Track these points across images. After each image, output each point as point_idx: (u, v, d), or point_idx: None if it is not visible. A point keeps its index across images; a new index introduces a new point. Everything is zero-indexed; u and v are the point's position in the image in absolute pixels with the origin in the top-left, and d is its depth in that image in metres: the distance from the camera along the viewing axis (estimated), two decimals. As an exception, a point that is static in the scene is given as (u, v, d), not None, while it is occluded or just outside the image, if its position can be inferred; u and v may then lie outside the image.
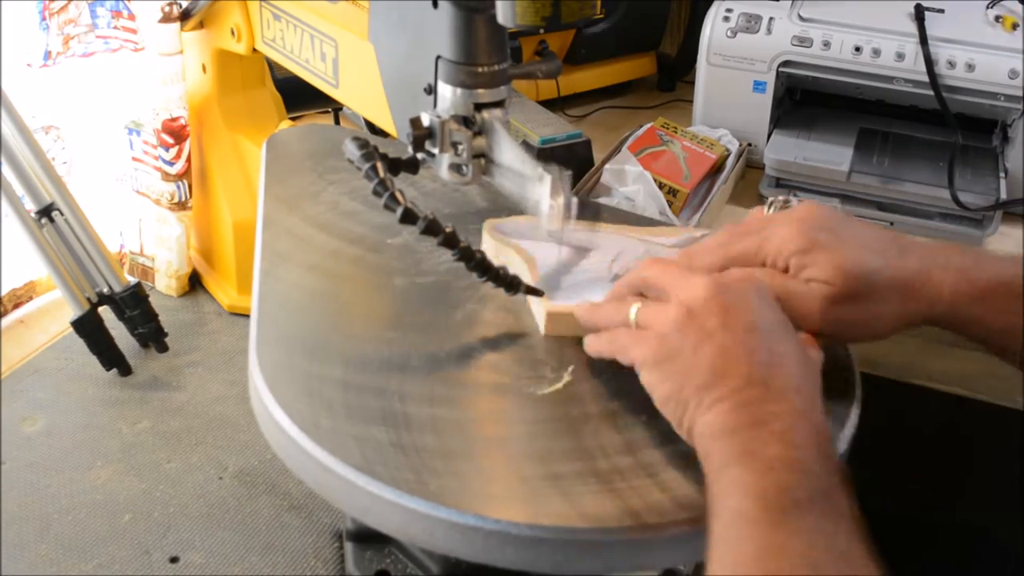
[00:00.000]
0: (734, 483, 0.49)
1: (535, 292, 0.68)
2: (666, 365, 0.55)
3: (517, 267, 0.72)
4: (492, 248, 0.75)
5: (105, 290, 0.96)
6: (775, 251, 0.61)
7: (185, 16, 1.02)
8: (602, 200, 1.00)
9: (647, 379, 0.57)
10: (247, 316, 0.89)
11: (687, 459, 0.57)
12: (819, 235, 0.60)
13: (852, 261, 0.59)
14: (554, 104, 1.28)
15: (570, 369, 0.63)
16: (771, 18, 1.13)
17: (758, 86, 1.15)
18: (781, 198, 0.68)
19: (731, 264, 0.63)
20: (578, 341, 0.65)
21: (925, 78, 1.06)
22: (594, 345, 0.63)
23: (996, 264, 0.61)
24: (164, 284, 1.11)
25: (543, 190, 0.62)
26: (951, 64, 1.05)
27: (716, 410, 0.52)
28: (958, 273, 0.60)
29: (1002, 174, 1.08)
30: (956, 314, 0.61)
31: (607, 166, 1.06)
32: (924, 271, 0.60)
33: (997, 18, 1.08)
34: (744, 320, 0.54)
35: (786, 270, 0.61)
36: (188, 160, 1.08)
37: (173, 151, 1.06)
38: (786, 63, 1.13)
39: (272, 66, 1.10)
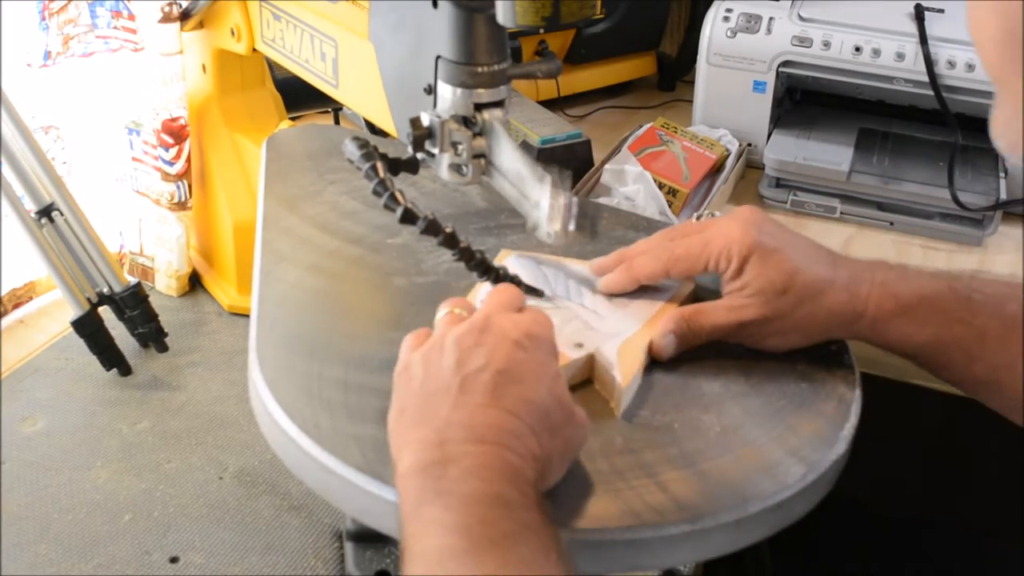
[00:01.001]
0: (434, 522, 0.47)
1: (535, 292, 0.68)
2: (403, 378, 0.55)
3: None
4: None
5: (105, 290, 0.96)
6: (719, 251, 0.63)
7: (185, 16, 1.02)
8: (602, 200, 1.00)
9: (395, 380, 0.57)
10: (247, 316, 0.89)
11: (687, 459, 0.57)
12: (762, 237, 0.62)
13: (792, 265, 0.62)
14: (554, 104, 1.28)
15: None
16: (771, 18, 1.13)
17: (758, 86, 1.15)
18: (709, 212, 0.70)
19: (672, 266, 0.65)
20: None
21: (925, 78, 1.06)
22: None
23: (919, 278, 0.63)
24: (164, 284, 1.11)
25: (542, 191, 0.62)
26: (951, 64, 1.05)
27: (411, 448, 0.51)
28: (882, 287, 0.62)
29: (1002, 174, 1.08)
30: (878, 328, 0.62)
31: (607, 166, 1.06)
32: (853, 282, 0.62)
33: (997, 18, 1.08)
34: (478, 361, 0.53)
35: (726, 270, 0.63)
36: (188, 160, 1.08)
37: (173, 151, 1.06)
38: (786, 63, 1.13)
39: (272, 66, 1.10)
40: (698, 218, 0.70)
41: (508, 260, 0.73)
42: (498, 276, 0.66)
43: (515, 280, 0.67)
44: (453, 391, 0.52)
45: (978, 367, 0.62)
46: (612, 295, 0.69)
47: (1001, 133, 0.45)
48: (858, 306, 0.62)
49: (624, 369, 0.61)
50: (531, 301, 0.67)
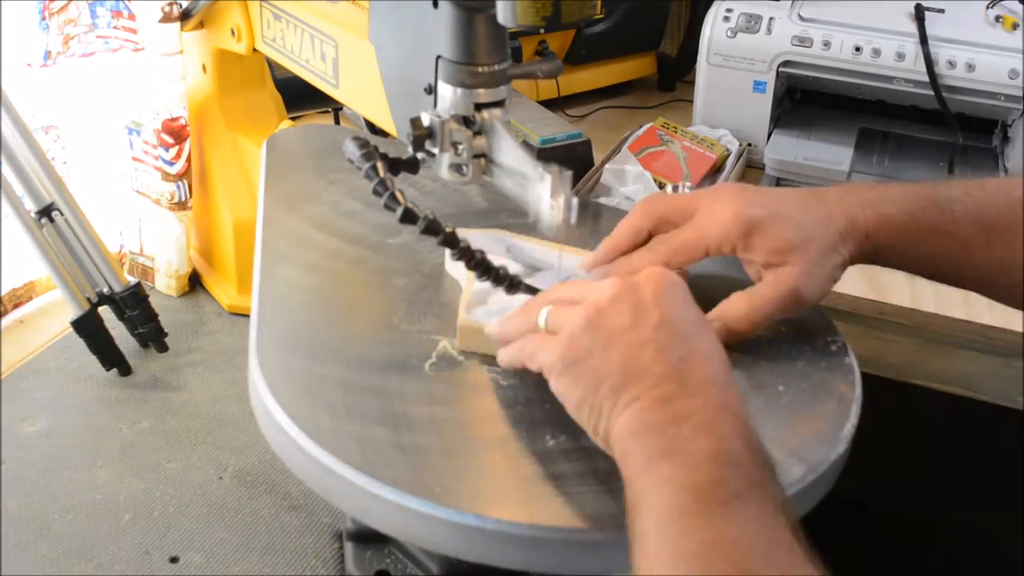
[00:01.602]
0: (663, 480, 0.47)
1: (535, 292, 0.68)
2: (575, 369, 0.54)
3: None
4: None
5: (105, 290, 0.96)
6: (718, 238, 0.63)
7: (185, 16, 1.02)
8: (602, 200, 1.00)
9: (556, 386, 0.55)
10: (247, 316, 0.89)
11: (687, 459, 0.57)
12: (753, 211, 0.63)
13: (792, 224, 0.62)
14: (554, 104, 1.28)
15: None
16: (771, 18, 1.13)
17: (758, 86, 1.15)
18: (687, 184, 0.70)
19: (671, 260, 0.64)
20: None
21: (925, 78, 1.06)
22: (505, 356, 0.61)
23: (903, 196, 0.64)
24: (164, 284, 1.11)
25: (543, 190, 0.62)
26: (951, 64, 1.05)
27: (632, 409, 0.50)
28: (874, 209, 0.63)
29: (1002, 174, 1.08)
30: (878, 249, 0.64)
31: (607, 166, 1.06)
32: (848, 218, 0.63)
33: (997, 18, 1.08)
34: (654, 316, 0.53)
35: (732, 251, 0.63)
36: (188, 160, 1.08)
37: (173, 151, 1.06)
38: (786, 63, 1.13)
39: (272, 66, 1.10)
40: (674, 189, 0.70)
41: (473, 235, 0.73)
42: (498, 276, 0.66)
43: (515, 280, 0.66)
44: (650, 350, 0.52)
45: (968, 272, 0.65)
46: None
47: None
48: (859, 235, 0.63)
49: None
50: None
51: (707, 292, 0.64)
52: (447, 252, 0.65)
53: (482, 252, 0.65)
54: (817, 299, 0.64)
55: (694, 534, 0.46)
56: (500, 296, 0.67)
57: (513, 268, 0.69)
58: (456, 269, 0.68)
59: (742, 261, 0.65)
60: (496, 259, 0.66)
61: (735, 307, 0.64)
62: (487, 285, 0.67)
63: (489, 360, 0.66)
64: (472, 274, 0.67)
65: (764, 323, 0.63)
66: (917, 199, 0.64)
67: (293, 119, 1.13)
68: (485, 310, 0.68)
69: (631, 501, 0.49)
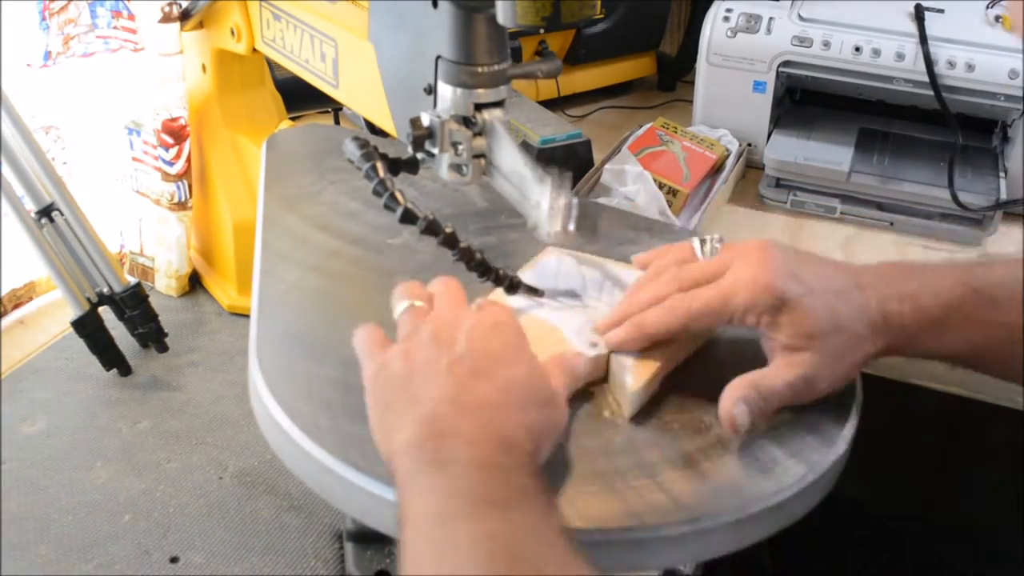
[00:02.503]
0: (432, 487, 0.48)
1: (535, 292, 0.68)
2: (380, 387, 0.56)
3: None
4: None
5: (105, 290, 0.96)
6: (744, 306, 0.58)
7: (185, 16, 1.02)
8: (602, 200, 1.00)
9: (369, 396, 0.57)
10: (247, 316, 0.89)
11: (687, 459, 0.57)
12: (787, 286, 0.58)
13: (821, 316, 0.57)
14: (554, 104, 1.28)
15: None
16: (771, 18, 1.13)
17: (758, 86, 1.15)
18: (715, 236, 0.65)
19: (693, 322, 0.60)
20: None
21: (925, 78, 1.06)
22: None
23: (944, 284, 0.60)
24: (164, 284, 1.11)
25: (543, 191, 0.62)
26: (951, 64, 1.05)
27: (407, 429, 0.51)
28: (913, 301, 0.59)
29: (1002, 174, 1.08)
30: (918, 342, 0.60)
31: (607, 166, 1.06)
32: (885, 301, 0.59)
33: (997, 18, 1.08)
34: (457, 349, 0.55)
35: (756, 325, 0.59)
36: (188, 160, 1.08)
37: (173, 151, 1.06)
38: (786, 63, 1.13)
39: (272, 66, 1.10)
40: (702, 243, 0.65)
41: (551, 257, 0.73)
42: (498, 276, 0.66)
43: (515, 280, 0.66)
44: (441, 374, 0.53)
45: (1008, 362, 0.60)
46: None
47: None
48: (894, 327, 0.59)
49: (637, 372, 0.60)
50: (548, 300, 0.67)
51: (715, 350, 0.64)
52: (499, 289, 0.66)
53: (482, 252, 0.65)
54: (830, 390, 0.60)
55: (461, 534, 0.46)
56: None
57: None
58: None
59: (759, 333, 0.60)
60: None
61: (779, 374, 0.59)
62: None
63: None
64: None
65: (769, 414, 0.59)
66: (956, 287, 0.59)
67: (293, 119, 1.13)
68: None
69: (399, 516, 0.49)
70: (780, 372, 0.58)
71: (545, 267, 0.72)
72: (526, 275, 0.70)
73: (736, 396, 0.58)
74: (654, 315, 0.61)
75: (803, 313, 0.57)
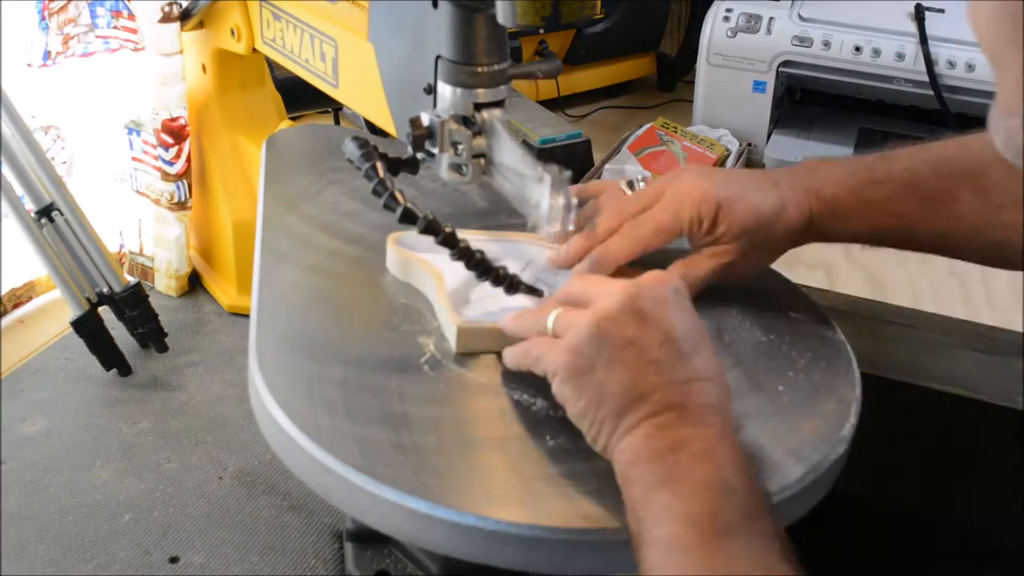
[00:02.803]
0: (662, 508, 0.48)
1: (535, 292, 0.68)
2: (579, 379, 0.54)
3: (423, 281, 0.71)
4: (396, 263, 0.73)
5: (105, 290, 0.96)
6: (691, 217, 0.66)
7: (185, 16, 1.02)
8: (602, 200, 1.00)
9: (559, 391, 0.55)
10: (247, 316, 0.89)
11: (687, 459, 0.57)
12: (721, 191, 0.66)
13: (751, 205, 0.66)
14: (554, 104, 1.28)
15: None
16: (771, 18, 1.13)
17: (758, 86, 1.15)
18: (639, 176, 0.72)
19: (649, 244, 0.66)
20: (498, 356, 0.63)
21: (925, 78, 1.06)
22: (511, 356, 0.61)
23: (840, 177, 0.68)
24: (164, 284, 1.11)
25: (543, 190, 0.62)
26: (951, 64, 1.05)
27: (634, 435, 0.51)
28: (815, 192, 0.67)
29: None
30: (822, 227, 0.68)
31: (607, 166, 1.06)
32: (796, 205, 0.67)
33: (997, 18, 1.08)
34: (658, 331, 0.53)
35: (699, 230, 0.66)
36: (188, 160, 1.08)
37: (173, 151, 1.06)
38: (786, 63, 1.13)
39: (272, 66, 1.10)
40: (629, 185, 0.72)
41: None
42: (498, 276, 0.66)
43: (515, 280, 0.66)
44: (652, 371, 0.52)
45: (913, 243, 0.69)
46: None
47: (997, 125, 0.43)
48: (804, 215, 0.67)
49: None
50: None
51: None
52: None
53: (481, 252, 0.65)
54: (745, 278, 0.69)
55: (691, 566, 0.47)
56: (483, 291, 0.68)
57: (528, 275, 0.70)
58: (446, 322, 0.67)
59: (691, 236, 0.68)
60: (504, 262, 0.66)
61: (701, 265, 0.68)
62: (462, 284, 0.68)
63: (489, 360, 0.66)
64: (441, 274, 0.68)
65: (692, 292, 0.62)
66: (857, 174, 0.67)
67: (293, 119, 1.13)
68: (480, 309, 0.67)
69: (634, 529, 0.49)
70: (704, 262, 0.67)
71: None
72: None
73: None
74: (615, 243, 0.67)
75: (735, 215, 0.66)
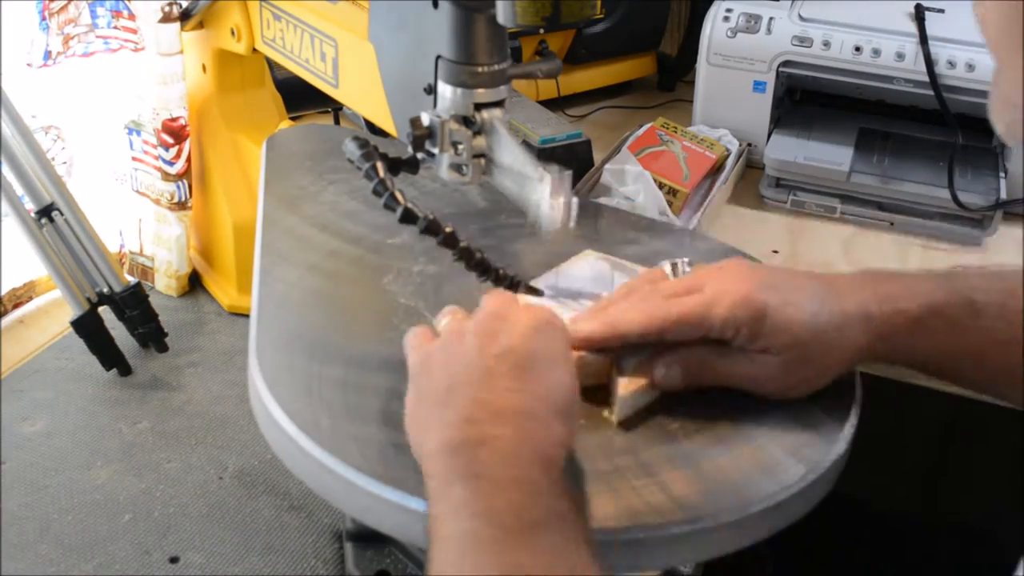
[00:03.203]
0: (462, 503, 0.47)
1: (535, 292, 0.68)
2: (420, 378, 0.55)
3: None
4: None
5: (105, 290, 0.96)
6: (725, 319, 0.57)
7: (185, 16, 1.02)
8: (602, 200, 1.00)
9: (408, 391, 0.56)
10: (247, 316, 0.89)
11: (687, 459, 0.57)
12: (768, 297, 0.57)
13: (806, 316, 0.57)
14: (554, 104, 1.28)
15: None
16: (771, 18, 1.13)
17: (758, 86, 1.15)
18: (685, 260, 0.65)
19: (670, 329, 0.59)
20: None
21: (925, 78, 1.06)
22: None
23: (921, 286, 0.60)
24: (164, 284, 1.11)
25: (543, 190, 0.62)
26: (951, 64, 1.05)
27: (444, 430, 0.50)
28: (891, 303, 0.59)
29: (1002, 174, 1.08)
30: (895, 345, 0.60)
31: (607, 166, 1.06)
32: (863, 306, 0.59)
33: (997, 18, 1.08)
34: (500, 345, 0.53)
35: (734, 336, 0.58)
36: (188, 160, 1.08)
37: (173, 151, 1.06)
38: (786, 63, 1.13)
39: (272, 66, 1.10)
40: (673, 267, 0.65)
41: (587, 259, 0.74)
42: (498, 276, 0.66)
43: (515, 280, 0.66)
44: (479, 374, 0.52)
45: (987, 370, 0.61)
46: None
47: (999, 114, 0.43)
48: (873, 331, 0.59)
49: (630, 378, 0.60)
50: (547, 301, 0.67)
51: None
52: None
53: (481, 252, 0.65)
54: (806, 392, 0.60)
55: (490, 560, 0.45)
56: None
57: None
58: None
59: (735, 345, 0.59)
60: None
61: (734, 364, 0.59)
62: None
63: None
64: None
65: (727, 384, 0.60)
66: (936, 290, 0.59)
67: (293, 119, 1.13)
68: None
69: (429, 528, 0.48)
70: (740, 363, 0.59)
71: (579, 268, 0.72)
72: (559, 274, 0.71)
73: (675, 359, 0.59)
74: (628, 315, 0.60)
75: (783, 323, 0.57)
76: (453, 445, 0.49)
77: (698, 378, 0.60)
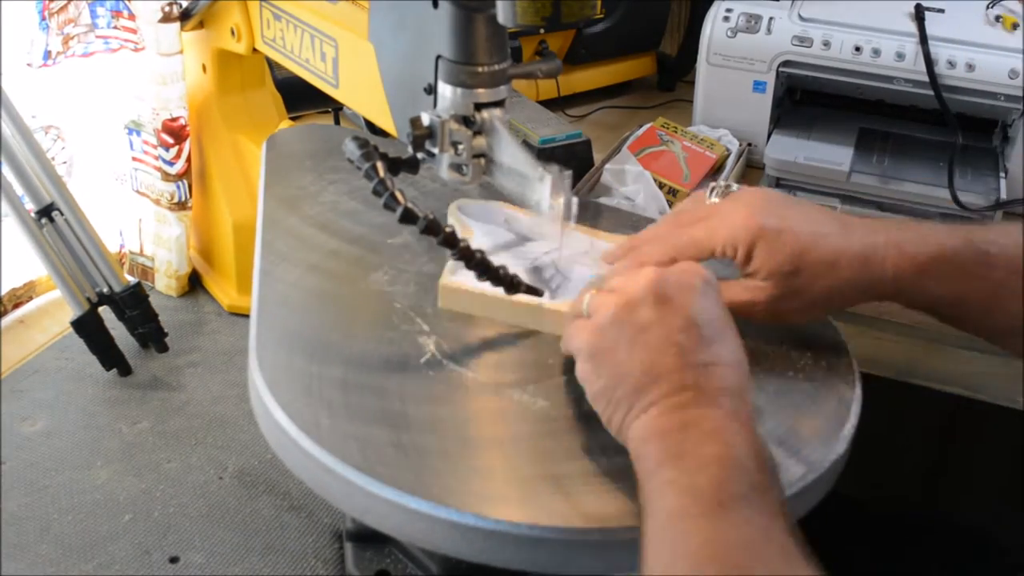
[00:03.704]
0: (667, 483, 0.49)
1: (535, 292, 0.68)
2: (599, 359, 0.55)
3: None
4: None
5: (105, 290, 0.96)
6: (724, 240, 0.62)
7: (185, 16, 1.02)
8: (602, 200, 1.00)
9: (581, 370, 0.57)
10: (247, 316, 0.89)
11: (687, 459, 0.57)
12: (767, 221, 0.61)
13: (800, 244, 0.60)
14: (554, 104, 1.28)
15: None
16: (771, 18, 1.13)
17: (758, 86, 1.15)
18: (723, 183, 0.68)
19: (679, 254, 0.63)
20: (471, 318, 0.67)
21: (925, 78, 1.06)
22: (562, 344, 0.62)
23: (935, 235, 0.62)
24: (164, 284, 1.11)
25: (543, 190, 0.62)
26: (951, 64, 1.05)
27: (649, 414, 0.52)
28: (897, 248, 0.61)
29: (1002, 174, 1.08)
30: (900, 288, 0.62)
31: (607, 166, 1.06)
32: (868, 246, 0.61)
33: (997, 18, 1.08)
34: (680, 315, 0.54)
35: (734, 257, 0.62)
36: (188, 160, 1.08)
37: (173, 151, 1.06)
38: (786, 63, 1.13)
39: (272, 66, 1.10)
40: (712, 191, 0.68)
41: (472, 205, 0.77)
42: (498, 276, 0.66)
43: (515, 279, 0.66)
44: (672, 353, 0.53)
45: (996, 318, 0.62)
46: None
47: None
48: (875, 271, 0.61)
49: None
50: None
51: None
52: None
53: (482, 252, 0.65)
54: (797, 321, 0.64)
55: (692, 535, 0.47)
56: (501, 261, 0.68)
57: (507, 238, 0.72)
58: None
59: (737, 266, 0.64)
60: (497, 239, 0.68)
61: (729, 291, 0.63)
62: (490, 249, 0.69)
63: (489, 360, 0.66)
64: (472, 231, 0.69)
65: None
66: (950, 238, 0.61)
67: (293, 119, 1.13)
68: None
69: (641, 504, 0.50)
70: (734, 290, 0.62)
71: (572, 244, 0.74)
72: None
73: None
74: (647, 248, 0.65)
75: (776, 248, 0.60)
76: (662, 431, 0.51)
77: None
